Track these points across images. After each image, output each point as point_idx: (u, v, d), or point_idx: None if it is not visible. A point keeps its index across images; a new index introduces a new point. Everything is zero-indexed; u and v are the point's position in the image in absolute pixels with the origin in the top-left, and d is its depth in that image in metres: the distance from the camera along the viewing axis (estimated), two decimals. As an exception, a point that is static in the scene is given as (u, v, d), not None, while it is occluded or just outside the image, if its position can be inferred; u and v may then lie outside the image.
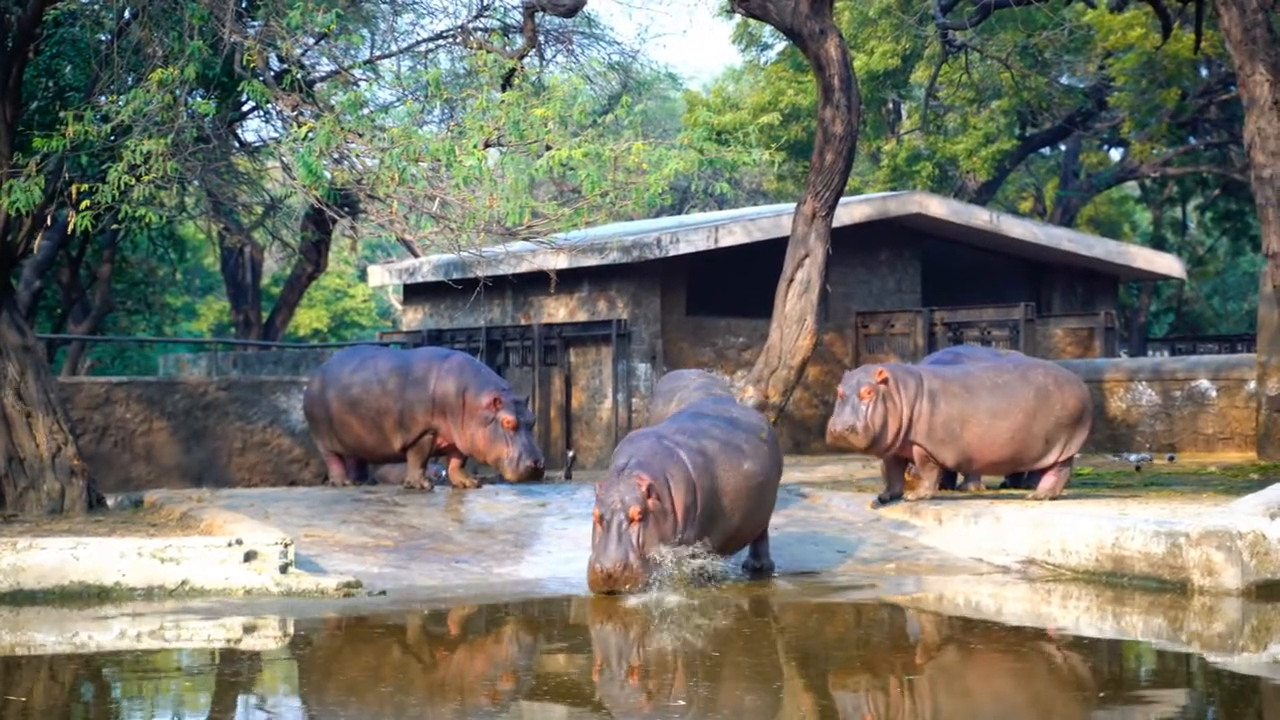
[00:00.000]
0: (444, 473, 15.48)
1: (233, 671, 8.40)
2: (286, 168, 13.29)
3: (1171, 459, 18.66)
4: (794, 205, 17.85)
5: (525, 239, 13.74)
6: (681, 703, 7.36)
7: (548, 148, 12.31)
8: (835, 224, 17.26)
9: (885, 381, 13.19)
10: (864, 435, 13.17)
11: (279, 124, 16.50)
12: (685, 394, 13.88)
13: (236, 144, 17.43)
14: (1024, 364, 13.75)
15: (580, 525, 12.35)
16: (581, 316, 22.92)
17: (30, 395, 13.19)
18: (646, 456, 10.42)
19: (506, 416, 14.13)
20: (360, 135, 12.12)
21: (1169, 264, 27.52)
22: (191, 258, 44.20)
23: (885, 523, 13.29)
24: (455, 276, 22.18)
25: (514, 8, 20.24)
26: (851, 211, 23.20)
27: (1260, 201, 15.00)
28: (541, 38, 21.11)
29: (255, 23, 13.16)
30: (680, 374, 14.98)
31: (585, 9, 18.97)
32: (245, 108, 17.00)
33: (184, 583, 10.43)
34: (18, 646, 8.94)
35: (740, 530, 10.96)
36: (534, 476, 14.20)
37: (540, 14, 19.40)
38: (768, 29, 37.03)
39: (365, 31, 18.99)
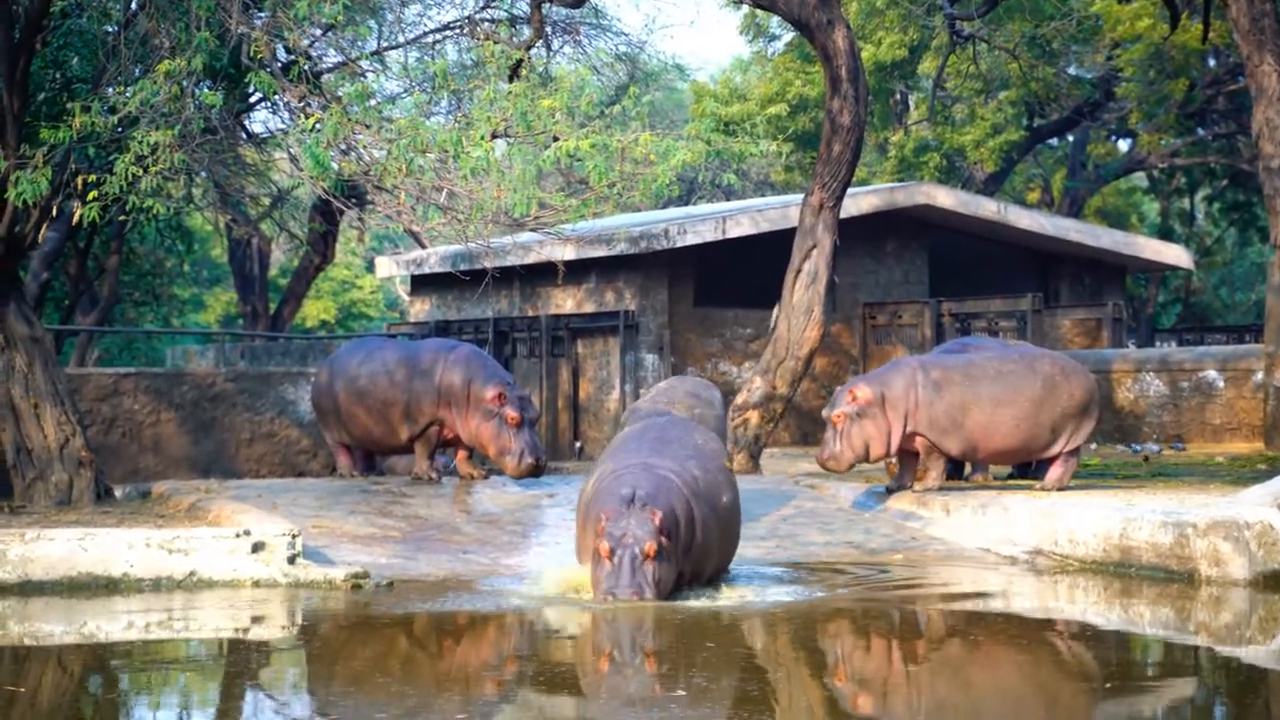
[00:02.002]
0: (452, 464, 15.49)
1: (240, 661, 8.40)
2: (294, 159, 13.31)
3: (1179, 448, 18.63)
4: (801, 196, 17.86)
5: (533, 230, 13.76)
6: (682, 693, 7.36)
7: (555, 139, 12.32)
8: (843, 215, 17.27)
9: (856, 399, 13.15)
10: (843, 461, 13.21)
11: (286, 115, 16.52)
12: (647, 409, 12.99)
13: (244, 135, 17.45)
14: (1030, 354, 13.74)
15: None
16: (589, 308, 22.94)
17: (38, 386, 13.21)
18: (653, 489, 9.62)
19: (511, 412, 14.11)
20: (368, 126, 12.15)
21: (1177, 254, 27.54)
22: (199, 249, 44.24)
23: (892, 513, 13.29)
24: (463, 267, 22.20)
25: (521, -2, 20.25)
26: (859, 202, 23.20)
27: (1268, 192, 15.00)
28: (549, 29, 21.11)
29: (262, 14, 13.16)
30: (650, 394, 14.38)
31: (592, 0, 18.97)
32: (252, 99, 17.02)
33: (192, 573, 10.44)
34: (26, 637, 8.96)
35: (708, 567, 10.27)
36: (535, 473, 14.17)
37: (547, 5, 19.42)
38: (775, 20, 37.02)
39: (372, 23, 18.99)
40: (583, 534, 10.04)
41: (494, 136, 12.27)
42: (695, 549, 9.88)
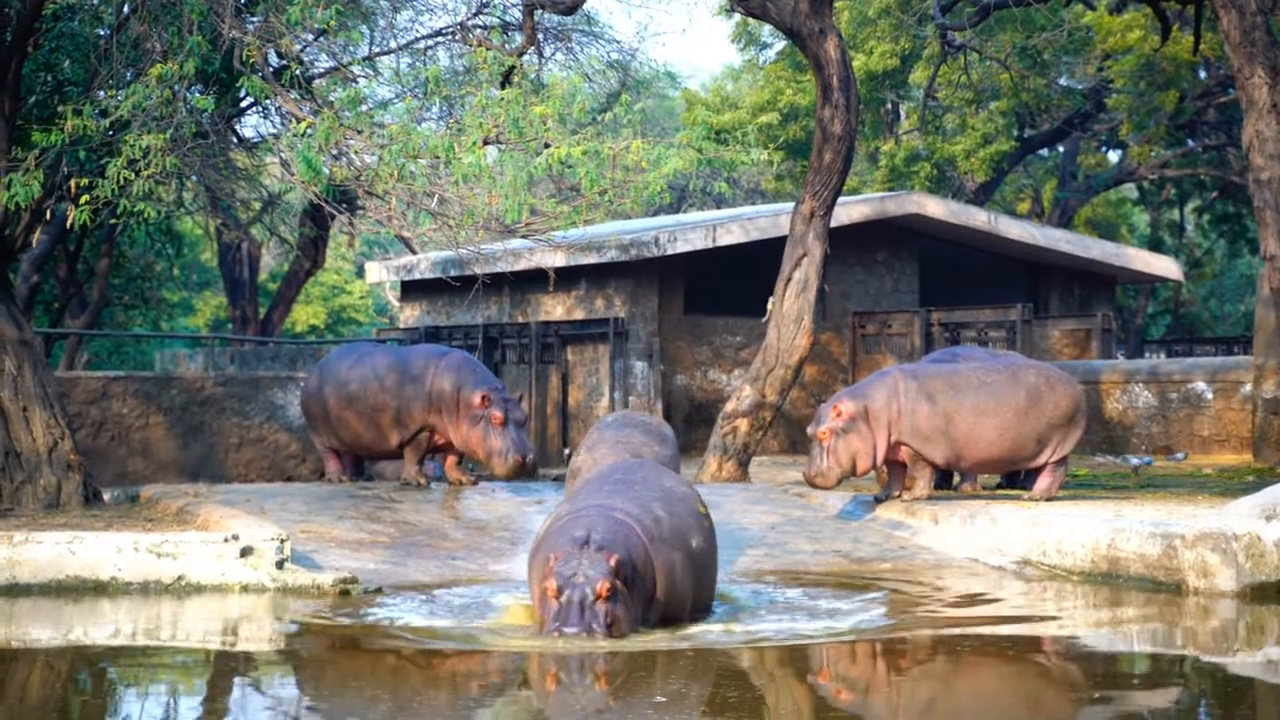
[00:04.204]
0: (440, 470, 15.49)
1: (227, 666, 8.40)
2: (285, 164, 13.30)
3: (1178, 459, 18.61)
4: (792, 205, 17.87)
5: (523, 236, 13.76)
6: (662, 700, 7.36)
7: (546, 145, 12.33)
8: (833, 224, 17.29)
9: (841, 414, 13.16)
10: (830, 477, 13.20)
11: (278, 120, 16.52)
12: (603, 448, 12.02)
13: (235, 140, 17.43)
14: (1016, 364, 13.75)
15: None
16: (579, 314, 22.94)
17: (27, 389, 13.19)
18: (610, 533, 8.83)
19: (495, 413, 14.10)
20: (359, 132, 12.14)
21: (1166, 266, 27.58)
22: (189, 253, 44.23)
23: (881, 522, 13.29)
24: (453, 274, 22.20)
25: (513, 5, 20.26)
26: (849, 211, 23.23)
27: (1258, 204, 15.03)
28: (540, 35, 21.12)
29: (254, 18, 13.17)
30: (603, 423, 13.29)
31: (584, 7, 19.00)
32: (244, 104, 17.01)
33: (180, 578, 10.44)
34: (13, 640, 8.95)
35: (680, 614, 9.33)
36: (522, 470, 14.14)
37: (539, 11, 19.42)
38: (767, 28, 37.06)
39: (364, 28, 19.00)
40: (536, 579, 9.11)
41: (485, 143, 12.27)
42: (660, 600, 9.08)
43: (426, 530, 12.62)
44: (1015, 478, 14.79)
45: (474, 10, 20.30)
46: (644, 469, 10.13)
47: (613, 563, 8.57)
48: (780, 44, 37.98)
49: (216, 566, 10.48)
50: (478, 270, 17.61)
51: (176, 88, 11.88)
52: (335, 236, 37.69)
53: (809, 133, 33.18)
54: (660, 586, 9.05)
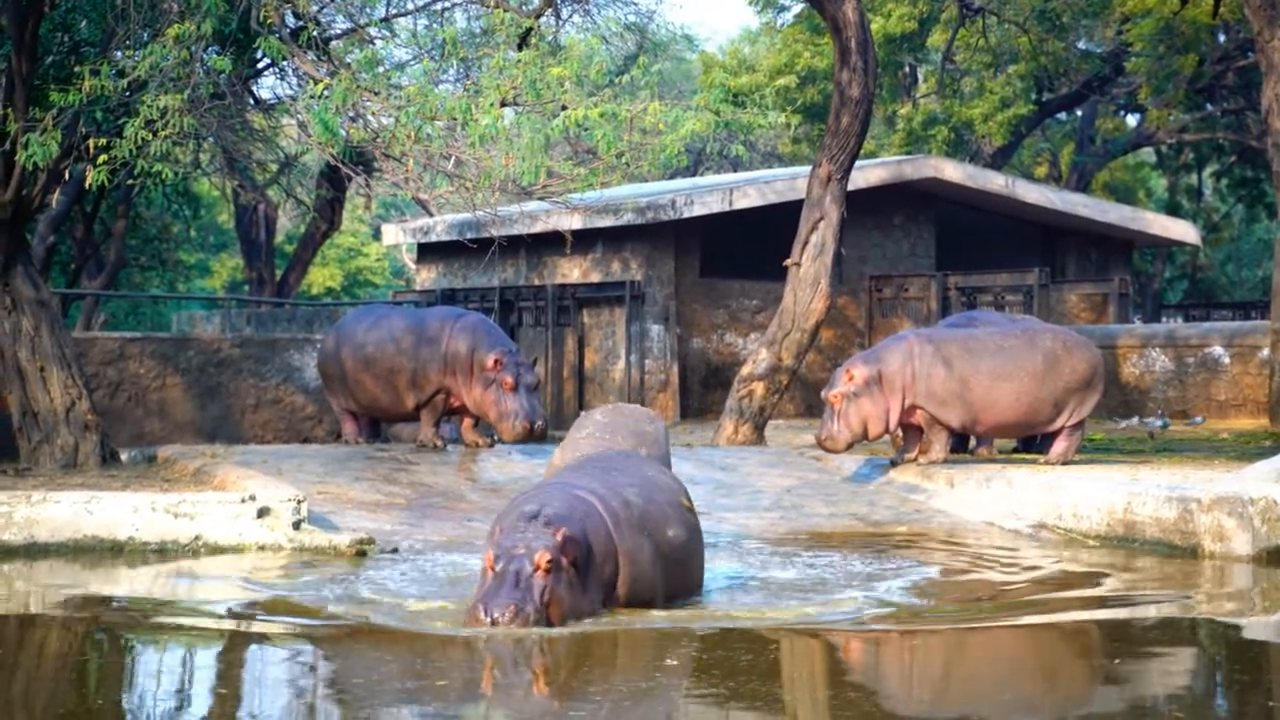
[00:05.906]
0: (457, 432, 15.51)
1: (244, 627, 8.42)
2: (302, 125, 13.29)
3: (1197, 423, 18.57)
4: (809, 168, 17.84)
5: (540, 199, 13.77)
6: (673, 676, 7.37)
7: (564, 108, 12.31)
8: (850, 187, 17.26)
9: (853, 379, 13.17)
10: (840, 441, 13.24)
11: (295, 81, 16.50)
12: (584, 441, 10.85)
13: (252, 101, 17.41)
14: (1033, 328, 13.75)
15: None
16: (595, 277, 22.94)
17: (44, 349, 13.23)
18: (564, 509, 8.09)
19: (505, 377, 14.12)
20: (376, 93, 12.13)
21: (1184, 230, 27.52)
22: (206, 215, 44.29)
23: (896, 485, 13.30)
24: (469, 236, 22.20)
25: (531, -33, 20.17)
26: (867, 175, 23.19)
27: (1277, 168, 15.01)
28: (558, -3, 21.04)
29: (271, -21, 13.12)
30: (586, 419, 11.74)
31: (602, -31, 18.94)
32: (261, 64, 16.98)
33: (197, 538, 10.47)
34: (31, 598, 8.99)
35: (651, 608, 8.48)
36: (530, 436, 14.13)
37: (557, -27, 19.35)
38: (784, -9, 36.93)
39: (381, -11, 18.93)
40: None
41: (503, 105, 12.25)
42: (623, 587, 8.28)
43: (443, 492, 12.65)
44: (1031, 442, 14.79)
45: (491, -29, 20.21)
46: (627, 458, 9.45)
47: (560, 537, 7.82)
48: (798, 7, 37.86)
49: (233, 527, 10.51)
50: (494, 232, 17.61)
51: (193, 48, 11.87)
52: (352, 198, 37.66)
53: (826, 96, 33.09)
54: (623, 575, 8.27)
